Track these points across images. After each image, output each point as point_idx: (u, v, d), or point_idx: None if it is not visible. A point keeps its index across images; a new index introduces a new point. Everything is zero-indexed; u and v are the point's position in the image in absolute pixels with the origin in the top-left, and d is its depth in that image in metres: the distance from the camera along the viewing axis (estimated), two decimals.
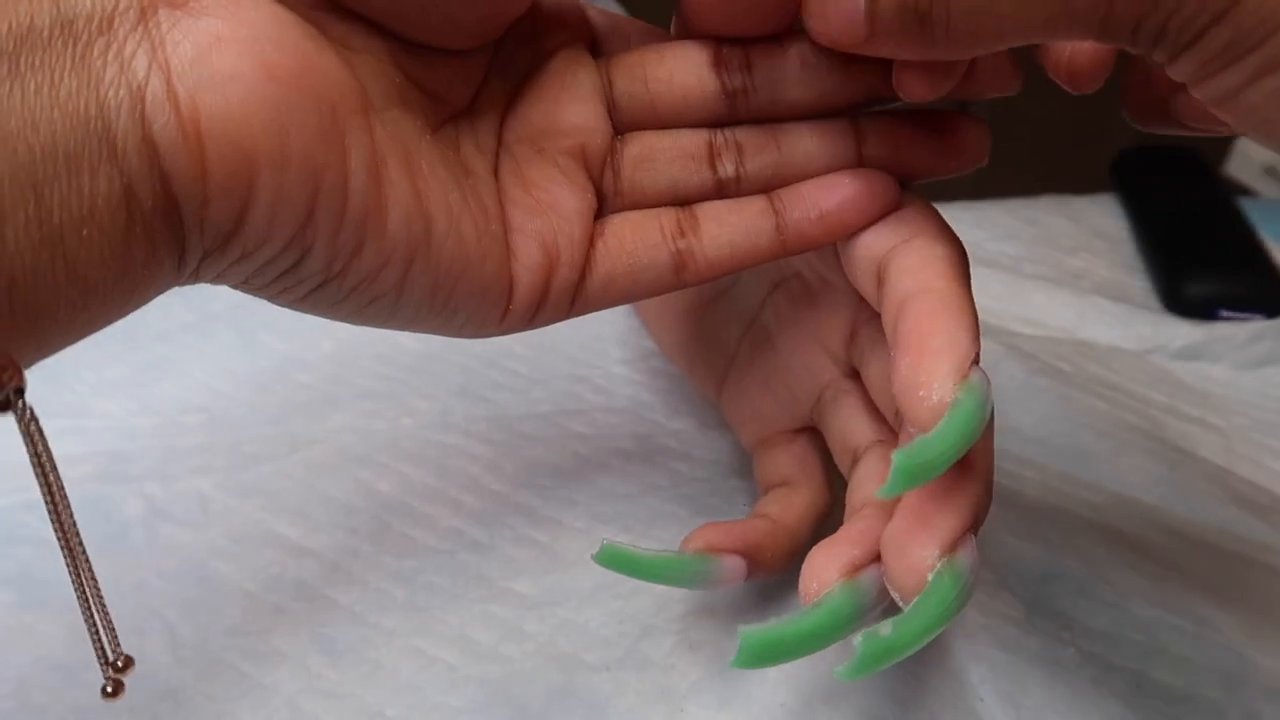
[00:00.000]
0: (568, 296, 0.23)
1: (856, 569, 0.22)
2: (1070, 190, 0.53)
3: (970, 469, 0.21)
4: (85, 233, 0.17)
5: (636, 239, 0.24)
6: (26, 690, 0.26)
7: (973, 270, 0.26)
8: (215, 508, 0.31)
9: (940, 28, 0.19)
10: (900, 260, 0.22)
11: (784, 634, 0.21)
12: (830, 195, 0.24)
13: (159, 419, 0.34)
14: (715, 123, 0.24)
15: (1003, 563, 0.30)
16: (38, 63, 0.16)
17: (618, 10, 0.28)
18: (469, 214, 0.21)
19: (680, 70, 0.23)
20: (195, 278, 0.20)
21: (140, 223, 0.17)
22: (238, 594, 0.28)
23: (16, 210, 0.16)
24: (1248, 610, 0.29)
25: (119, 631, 0.27)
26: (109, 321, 0.18)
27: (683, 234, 0.24)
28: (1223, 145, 0.60)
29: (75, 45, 0.17)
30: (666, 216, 0.24)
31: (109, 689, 0.20)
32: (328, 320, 0.22)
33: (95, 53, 0.17)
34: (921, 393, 0.20)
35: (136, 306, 0.19)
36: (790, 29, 0.23)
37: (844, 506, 0.25)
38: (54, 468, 0.18)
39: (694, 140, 0.24)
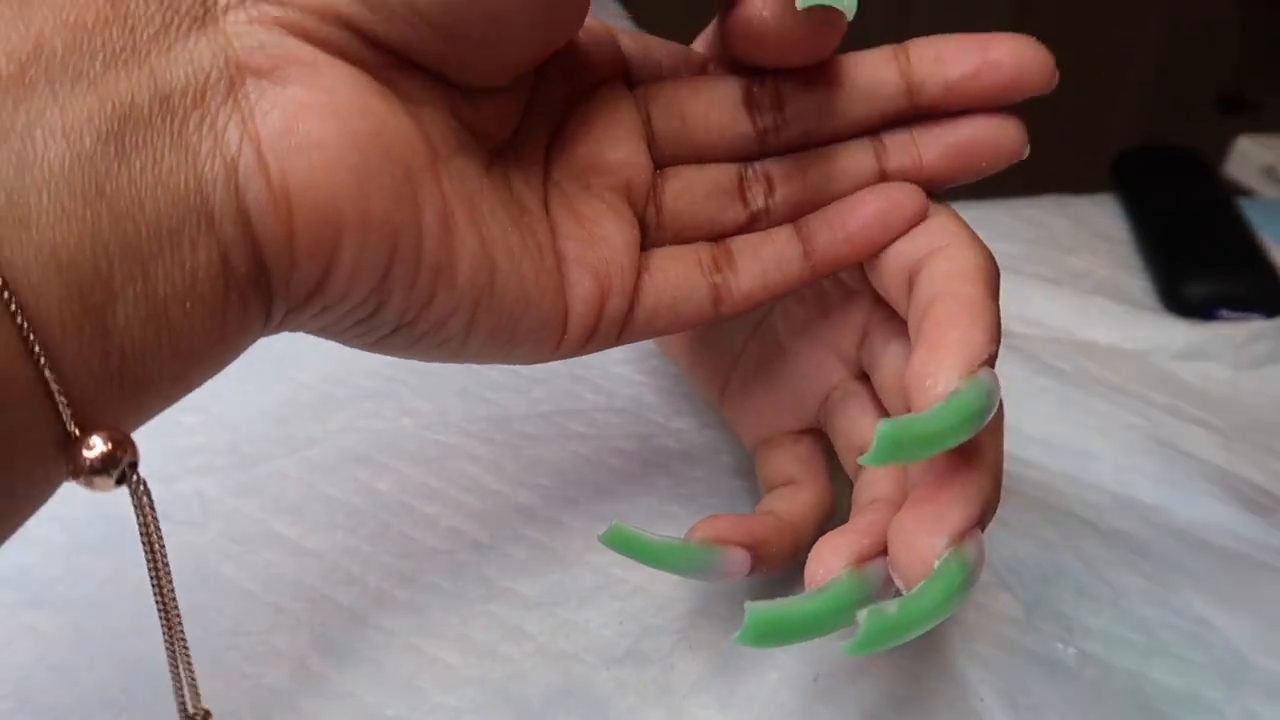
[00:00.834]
0: (617, 325, 0.24)
1: (863, 559, 0.22)
2: (1070, 190, 0.53)
3: (980, 464, 0.21)
4: (188, 305, 0.17)
5: (678, 272, 0.24)
6: (26, 690, 0.26)
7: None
8: (215, 508, 0.31)
9: None
10: (932, 266, 0.23)
11: (789, 613, 0.21)
12: (854, 216, 0.24)
13: (159, 419, 0.34)
14: (747, 156, 0.25)
15: (1003, 563, 0.30)
16: (141, 141, 0.17)
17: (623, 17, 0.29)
18: (527, 254, 0.22)
19: (715, 109, 0.24)
20: (277, 330, 0.20)
21: (235, 290, 0.18)
22: (238, 594, 0.28)
23: (127, 288, 0.16)
24: (1248, 610, 0.29)
25: (119, 631, 0.27)
26: (202, 383, 0.19)
27: (718, 268, 0.25)
28: (1223, 145, 0.60)
29: (173, 121, 0.17)
30: (704, 251, 0.25)
31: None
32: None
33: (191, 127, 0.17)
34: (928, 382, 0.21)
35: (226, 365, 0.19)
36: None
37: (848, 509, 0.25)
38: (160, 538, 0.18)
39: (727, 175, 0.25)
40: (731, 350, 0.30)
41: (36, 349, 0.15)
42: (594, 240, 0.23)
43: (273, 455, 0.33)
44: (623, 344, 0.25)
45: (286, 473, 0.32)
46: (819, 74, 0.24)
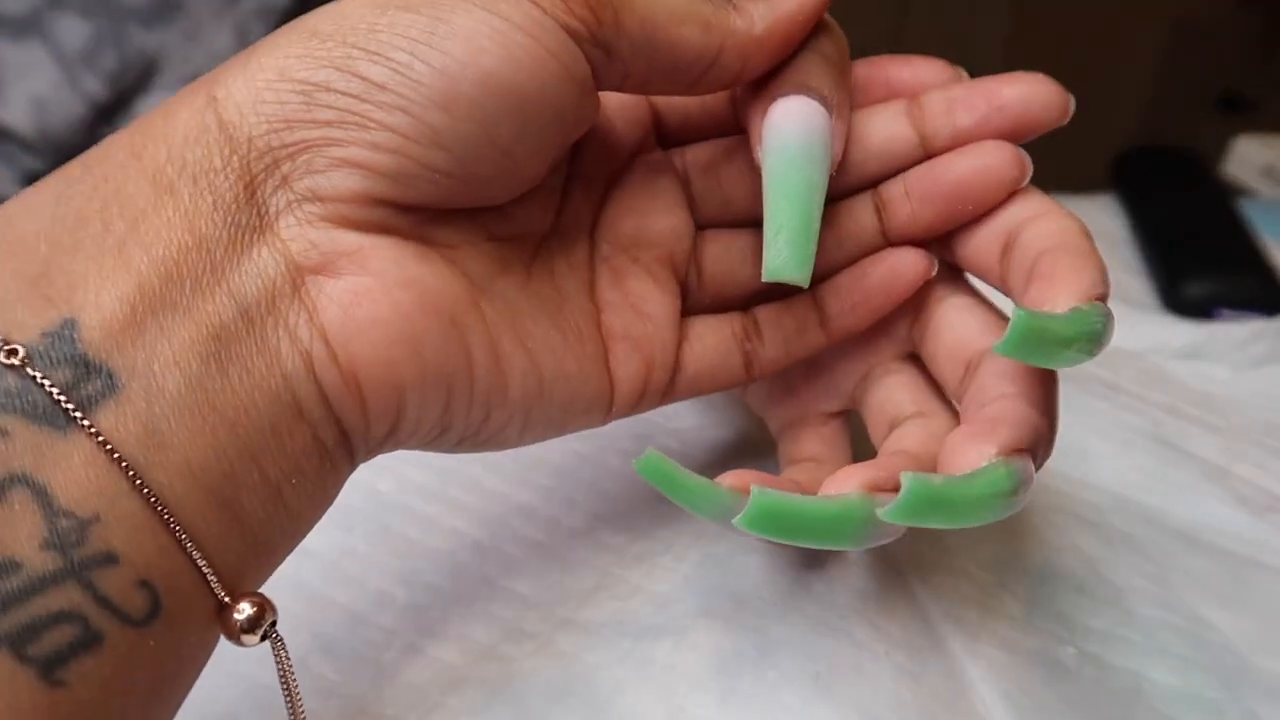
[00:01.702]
0: (660, 391, 0.26)
1: (877, 489, 0.22)
2: (1069, 190, 0.52)
3: (1033, 399, 0.22)
4: (294, 481, 0.20)
5: (715, 342, 0.26)
6: None
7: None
8: None
9: None
10: (1035, 227, 0.24)
11: (794, 506, 0.21)
12: (857, 288, 0.26)
13: None
14: None
15: (1003, 563, 0.30)
16: (234, 354, 0.19)
17: None
18: (569, 350, 0.24)
19: (750, 171, 0.25)
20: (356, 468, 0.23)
21: (327, 459, 0.21)
22: None
23: (247, 479, 0.19)
24: (1248, 610, 0.29)
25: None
26: (308, 532, 0.22)
27: (748, 338, 0.27)
28: (1222, 145, 0.60)
29: (255, 330, 0.19)
30: (735, 322, 0.27)
31: None
32: None
33: (269, 332, 0.19)
34: (1047, 308, 0.21)
35: (325, 511, 0.22)
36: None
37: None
38: (296, 684, 0.21)
39: (760, 238, 0.25)
40: None
41: (189, 546, 0.18)
42: (640, 316, 0.25)
43: None
44: (667, 404, 0.26)
45: None
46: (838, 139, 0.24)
